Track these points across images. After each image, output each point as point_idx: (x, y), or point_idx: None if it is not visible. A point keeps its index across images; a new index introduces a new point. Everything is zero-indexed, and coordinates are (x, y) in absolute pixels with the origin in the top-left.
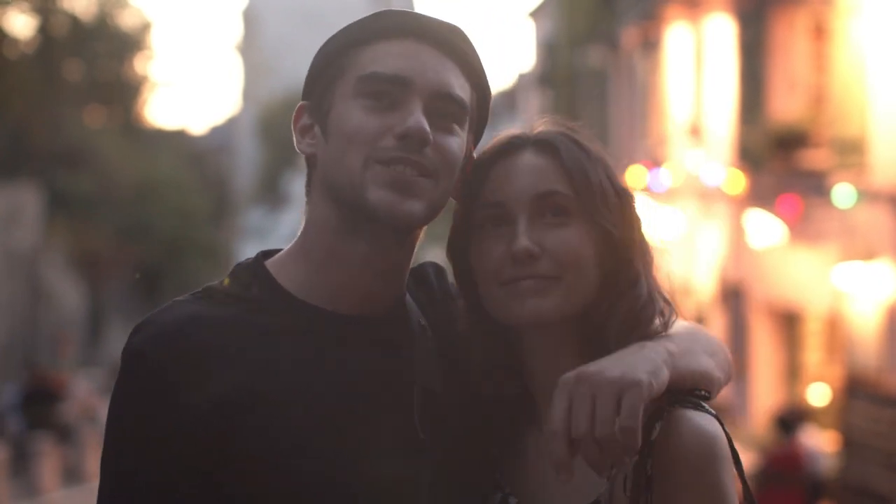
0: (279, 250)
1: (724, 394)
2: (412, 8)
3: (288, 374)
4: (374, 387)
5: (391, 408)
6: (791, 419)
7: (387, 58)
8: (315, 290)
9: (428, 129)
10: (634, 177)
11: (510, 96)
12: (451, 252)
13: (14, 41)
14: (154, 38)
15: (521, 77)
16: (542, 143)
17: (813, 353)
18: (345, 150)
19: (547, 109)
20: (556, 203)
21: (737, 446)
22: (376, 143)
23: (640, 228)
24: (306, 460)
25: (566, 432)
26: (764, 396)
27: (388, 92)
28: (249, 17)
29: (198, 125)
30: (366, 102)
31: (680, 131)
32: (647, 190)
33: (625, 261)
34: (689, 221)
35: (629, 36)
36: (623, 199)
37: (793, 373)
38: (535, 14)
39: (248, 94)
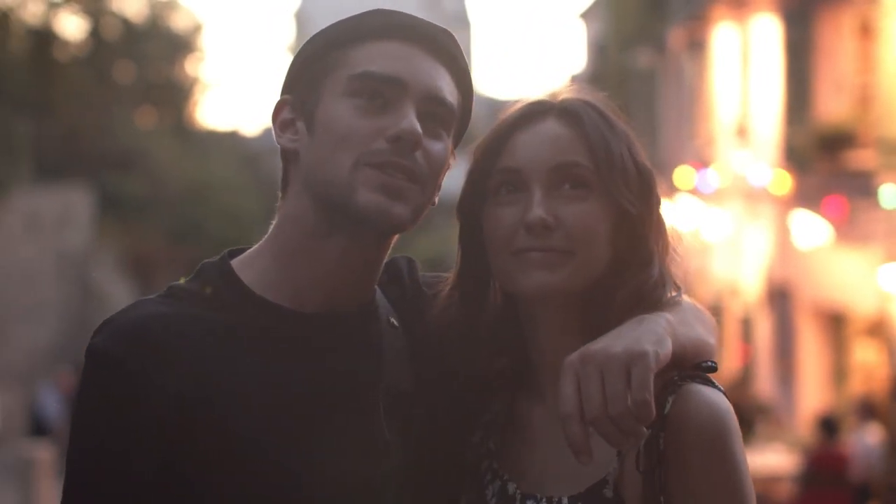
0: (247, 248)
1: (771, 394)
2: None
3: (246, 372)
4: (337, 386)
5: (355, 407)
6: (834, 421)
7: (380, 58)
8: (279, 288)
9: (421, 132)
10: (682, 178)
11: None
12: (461, 214)
13: (66, 43)
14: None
15: (573, 79)
16: (565, 112)
17: (859, 354)
18: (333, 149)
19: None
20: (575, 175)
21: (782, 448)
22: (368, 145)
23: (658, 209)
24: (264, 458)
25: (579, 414)
26: (810, 397)
27: (380, 92)
28: (301, 19)
29: (250, 127)
30: (357, 102)
31: (727, 132)
32: (694, 191)
33: (639, 240)
34: (736, 222)
35: (676, 37)
36: (644, 176)
37: (839, 374)
38: (585, 15)
39: None
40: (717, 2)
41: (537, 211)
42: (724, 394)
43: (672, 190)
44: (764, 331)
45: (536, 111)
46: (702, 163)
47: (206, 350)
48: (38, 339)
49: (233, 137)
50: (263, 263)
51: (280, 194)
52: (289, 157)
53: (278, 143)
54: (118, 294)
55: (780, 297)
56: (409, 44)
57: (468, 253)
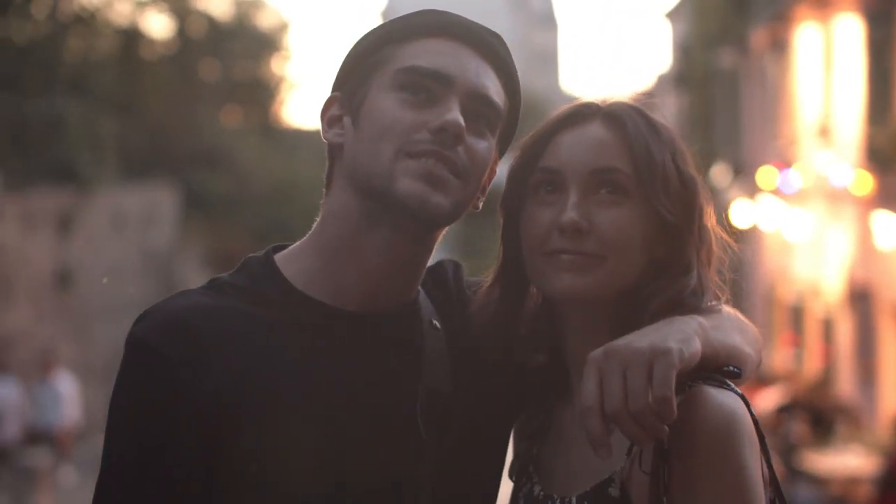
0: (290, 244)
1: (851, 395)
2: (551, 10)
3: (285, 368)
4: (375, 385)
5: (393, 406)
6: None
7: (428, 54)
8: (322, 284)
9: (464, 125)
10: (765, 178)
11: (648, 97)
12: (505, 209)
13: (152, 43)
14: (291, 38)
15: (661, 78)
16: (611, 116)
17: None
18: (377, 140)
19: (682, 111)
20: (613, 180)
21: (862, 450)
22: (410, 135)
23: (701, 218)
24: (299, 455)
25: (600, 408)
26: (891, 399)
27: (426, 87)
28: (388, 16)
29: None
30: (403, 95)
31: (809, 132)
32: (776, 191)
33: (677, 249)
34: (818, 223)
35: (759, 37)
36: (687, 185)
37: None
38: (671, 15)
39: None
40: (799, 2)
41: (571, 214)
42: (744, 399)
43: (754, 190)
44: (845, 331)
45: (583, 113)
46: (784, 163)
47: (245, 344)
48: (122, 336)
49: (318, 136)
50: (307, 259)
51: (324, 191)
52: (334, 152)
53: (324, 138)
54: None
55: (861, 299)
56: (459, 42)
57: (509, 249)
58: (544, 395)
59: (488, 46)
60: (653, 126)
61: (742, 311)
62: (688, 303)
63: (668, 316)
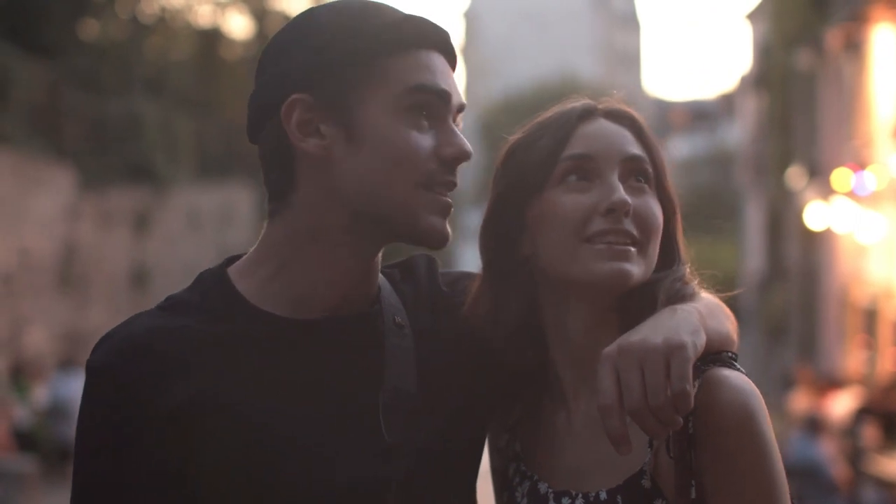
0: (243, 255)
1: None
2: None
3: (243, 382)
4: (336, 389)
5: (356, 409)
6: None
7: (426, 69)
8: (279, 297)
9: (470, 150)
10: (839, 180)
11: (730, 99)
12: (502, 207)
13: (231, 43)
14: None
15: (742, 80)
16: (618, 115)
17: None
18: (389, 168)
19: (762, 112)
20: (641, 168)
21: None
22: (425, 166)
23: (679, 212)
24: (265, 467)
25: (618, 406)
26: None
27: (433, 105)
28: (471, 17)
29: None
30: (412, 120)
31: (884, 134)
32: (851, 193)
33: (675, 238)
34: (892, 225)
35: (834, 38)
36: (670, 180)
37: None
38: (751, 16)
39: (469, 95)
40: (875, 2)
41: (620, 193)
42: (747, 376)
43: (829, 192)
44: None
45: (589, 111)
46: (859, 165)
47: (202, 362)
48: None
49: None
50: (264, 272)
51: (272, 200)
52: (309, 163)
53: (297, 145)
54: None
55: None
56: (440, 54)
57: (502, 246)
58: (522, 388)
59: (453, 53)
60: (646, 126)
61: (815, 313)
62: (686, 292)
63: (668, 305)
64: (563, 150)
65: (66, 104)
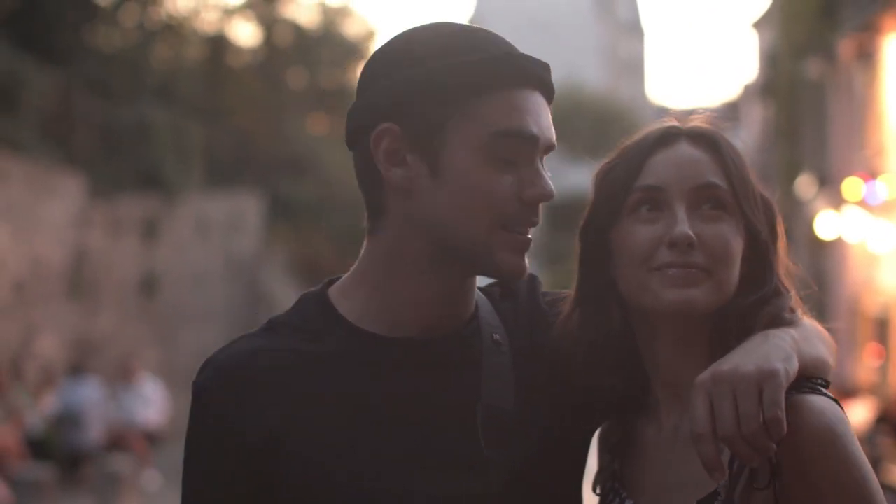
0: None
1: None
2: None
3: (343, 402)
4: (434, 407)
5: (452, 426)
6: None
7: (516, 112)
8: (376, 317)
9: (552, 190)
10: (850, 189)
11: (734, 107)
12: (587, 232)
13: (239, 50)
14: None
15: (747, 88)
16: (700, 137)
17: None
18: (469, 205)
19: (768, 121)
20: (714, 195)
21: None
22: (504, 208)
23: (782, 238)
24: (363, 485)
25: (712, 433)
26: None
27: (519, 148)
28: (476, 24)
29: None
30: (496, 160)
31: (895, 143)
32: (862, 202)
33: (765, 265)
34: None
35: (846, 47)
36: (767, 205)
37: None
38: (758, 24)
39: None
40: (886, 12)
41: (683, 227)
42: (837, 402)
43: (839, 201)
44: None
45: (671, 134)
46: (870, 174)
47: (298, 383)
48: (207, 342)
49: None
50: (362, 293)
51: (369, 219)
52: (395, 190)
53: (384, 174)
54: (286, 298)
55: None
56: (535, 91)
57: (590, 270)
58: (620, 410)
59: (550, 88)
60: (735, 147)
61: (824, 322)
62: (784, 320)
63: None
64: (635, 179)
65: (77, 111)
